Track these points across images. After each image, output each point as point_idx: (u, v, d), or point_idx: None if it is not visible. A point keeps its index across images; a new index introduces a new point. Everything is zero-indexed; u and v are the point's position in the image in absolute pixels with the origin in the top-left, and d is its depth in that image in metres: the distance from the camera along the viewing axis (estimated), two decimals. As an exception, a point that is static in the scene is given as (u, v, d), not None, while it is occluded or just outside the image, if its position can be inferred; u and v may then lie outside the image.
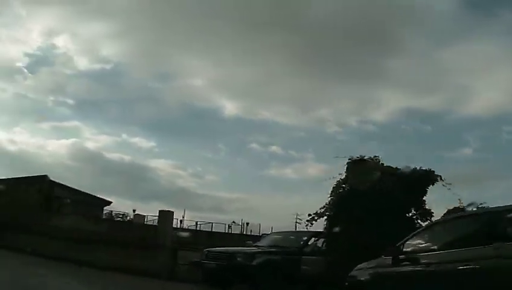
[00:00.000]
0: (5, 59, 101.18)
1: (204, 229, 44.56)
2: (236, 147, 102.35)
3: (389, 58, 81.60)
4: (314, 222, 16.02)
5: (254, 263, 14.26)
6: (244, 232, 44.92)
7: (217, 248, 16.09)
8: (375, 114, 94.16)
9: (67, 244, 20.63)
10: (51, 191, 39.00)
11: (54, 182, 43.63)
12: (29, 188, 35.01)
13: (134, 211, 51.25)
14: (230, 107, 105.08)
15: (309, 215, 16.15)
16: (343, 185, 15.55)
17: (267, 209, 79.03)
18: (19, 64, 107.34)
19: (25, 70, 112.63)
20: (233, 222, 48.84)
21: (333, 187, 15.68)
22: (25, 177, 37.64)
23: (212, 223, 47.21)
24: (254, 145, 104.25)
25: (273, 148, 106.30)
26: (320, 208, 15.77)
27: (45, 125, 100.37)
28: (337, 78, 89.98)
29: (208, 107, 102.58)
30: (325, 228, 15.75)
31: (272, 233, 20.63)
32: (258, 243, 17.50)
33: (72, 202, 39.80)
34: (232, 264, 14.29)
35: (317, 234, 16.16)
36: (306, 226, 16.49)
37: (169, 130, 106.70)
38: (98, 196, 46.89)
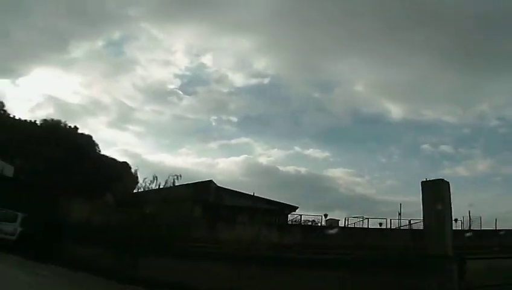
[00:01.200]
0: (155, 83, 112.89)
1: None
2: (408, 150, 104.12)
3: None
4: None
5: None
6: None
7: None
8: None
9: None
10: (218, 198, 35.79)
11: (220, 188, 38.69)
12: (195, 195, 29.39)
13: (325, 215, 42.62)
14: (395, 110, 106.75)
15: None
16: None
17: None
18: (171, 86, 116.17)
19: (180, 92, 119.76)
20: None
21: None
22: (191, 183, 32.53)
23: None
24: (425, 146, 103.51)
25: (443, 147, 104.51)
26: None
27: (212, 145, 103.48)
28: (489, 71, 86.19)
29: (373, 112, 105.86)
30: None
31: None
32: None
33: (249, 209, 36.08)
34: None
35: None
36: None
37: (340, 138, 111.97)
38: (282, 201, 41.28)
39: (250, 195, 39.68)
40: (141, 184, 23.87)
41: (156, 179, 23.31)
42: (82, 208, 23.91)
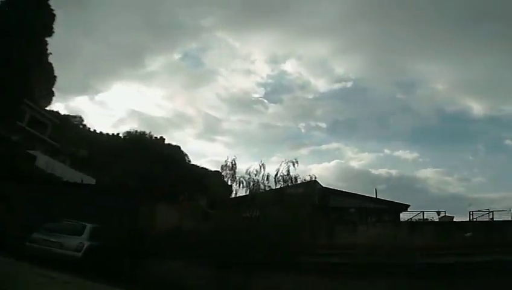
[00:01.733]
0: (239, 92, 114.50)
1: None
2: (492, 146, 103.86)
3: None
4: None
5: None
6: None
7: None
8: None
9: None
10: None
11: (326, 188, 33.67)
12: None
13: (438, 213, 35.55)
14: (476, 107, 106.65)
15: None
16: None
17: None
18: (256, 95, 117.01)
19: (265, 101, 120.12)
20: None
21: None
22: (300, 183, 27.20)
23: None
24: (508, 142, 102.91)
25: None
26: None
27: (303, 151, 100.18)
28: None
29: (456, 110, 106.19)
30: None
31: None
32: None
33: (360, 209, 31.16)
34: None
35: None
36: None
37: (427, 138, 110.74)
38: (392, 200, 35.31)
39: (358, 194, 34.38)
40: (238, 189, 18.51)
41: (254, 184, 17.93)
42: (170, 214, 19.29)
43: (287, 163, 17.71)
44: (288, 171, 17.62)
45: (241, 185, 17.78)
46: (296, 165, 17.78)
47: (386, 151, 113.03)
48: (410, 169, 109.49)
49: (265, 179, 17.71)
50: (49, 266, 13.47)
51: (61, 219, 15.72)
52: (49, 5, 34.20)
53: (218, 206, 18.62)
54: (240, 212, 17.66)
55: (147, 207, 19.09)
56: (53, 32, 35.30)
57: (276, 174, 17.66)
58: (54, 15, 34.96)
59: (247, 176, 17.78)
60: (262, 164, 17.93)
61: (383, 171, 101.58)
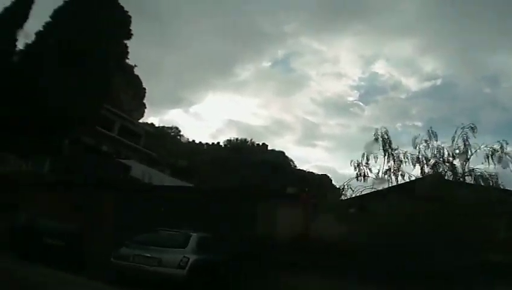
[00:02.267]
0: (334, 96, 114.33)
1: None
2: None
3: None
4: None
5: None
6: None
7: None
8: None
9: None
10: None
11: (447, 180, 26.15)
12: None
13: None
14: None
15: None
16: None
17: None
18: (350, 98, 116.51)
19: (360, 103, 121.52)
20: None
21: None
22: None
23: None
24: None
25: None
26: None
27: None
28: None
29: None
30: None
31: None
32: None
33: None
34: None
35: None
36: None
37: None
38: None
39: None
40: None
41: None
42: (293, 217, 14.54)
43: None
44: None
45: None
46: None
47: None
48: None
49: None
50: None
51: (157, 229, 11.81)
52: (122, 6, 31.36)
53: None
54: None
55: (265, 209, 14.65)
56: (131, 34, 32.34)
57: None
58: (130, 16, 32.08)
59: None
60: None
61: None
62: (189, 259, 10.44)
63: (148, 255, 10.42)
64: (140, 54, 78.90)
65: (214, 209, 14.66)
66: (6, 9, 26.09)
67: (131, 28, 32.00)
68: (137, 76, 48.70)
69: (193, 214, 14.05)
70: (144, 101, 50.20)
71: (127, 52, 35.13)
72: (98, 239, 14.31)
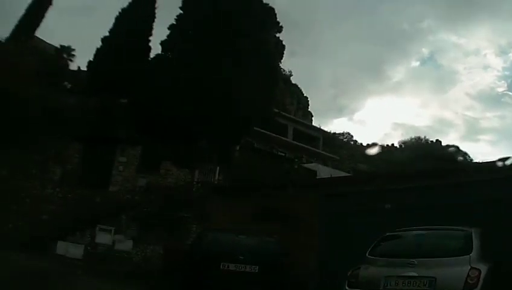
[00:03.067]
0: (486, 88, 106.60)
1: None
2: None
3: None
4: None
5: None
6: None
7: None
8: None
9: None
10: None
11: None
12: None
13: None
14: None
15: None
16: None
17: None
18: (501, 89, 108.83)
19: (510, 93, 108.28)
20: None
21: None
22: None
23: None
24: None
25: None
26: None
27: None
28: None
29: None
30: None
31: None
32: None
33: None
34: None
35: None
36: None
37: None
38: None
39: None
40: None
41: None
42: None
43: None
44: None
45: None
46: None
47: None
48: None
49: None
50: None
51: (409, 228, 7.54)
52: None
53: None
54: None
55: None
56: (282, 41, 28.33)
57: None
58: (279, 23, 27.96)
59: None
60: None
61: None
62: (480, 272, 5.95)
63: (414, 273, 6.26)
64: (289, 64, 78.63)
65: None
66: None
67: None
68: (296, 85, 46.78)
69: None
70: (309, 110, 48.21)
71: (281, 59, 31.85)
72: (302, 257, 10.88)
